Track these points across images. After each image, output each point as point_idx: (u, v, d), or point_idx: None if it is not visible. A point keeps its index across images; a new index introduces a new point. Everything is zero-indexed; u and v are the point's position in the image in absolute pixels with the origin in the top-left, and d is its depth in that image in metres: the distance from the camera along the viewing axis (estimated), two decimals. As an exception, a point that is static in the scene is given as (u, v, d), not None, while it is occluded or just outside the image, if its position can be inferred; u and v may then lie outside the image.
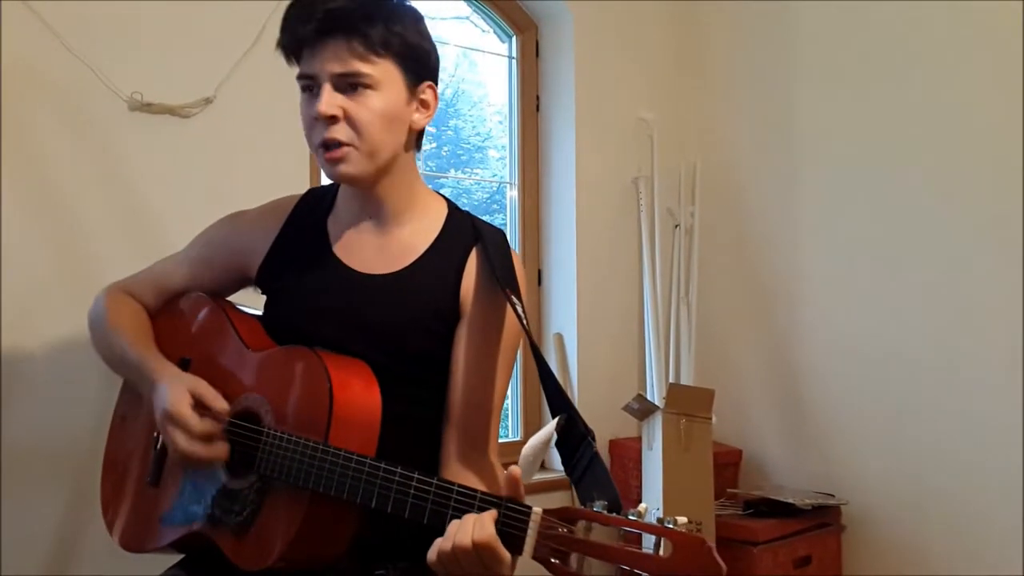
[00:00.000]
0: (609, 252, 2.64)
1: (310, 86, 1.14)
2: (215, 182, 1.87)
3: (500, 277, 1.16)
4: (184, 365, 1.24)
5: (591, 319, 2.58)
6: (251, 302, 1.33)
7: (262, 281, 1.28)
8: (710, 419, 2.33)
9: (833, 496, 2.41)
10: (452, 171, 2.72)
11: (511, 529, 0.92)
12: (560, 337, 2.59)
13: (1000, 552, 2.15)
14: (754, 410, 2.65)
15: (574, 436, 1.03)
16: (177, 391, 1.12)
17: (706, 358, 2.66)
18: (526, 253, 2.64)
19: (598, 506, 0.90)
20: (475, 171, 2.76)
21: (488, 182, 2.75)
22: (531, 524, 0.91)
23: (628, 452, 2.46)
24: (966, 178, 2.24)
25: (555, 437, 1.05)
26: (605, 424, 2.54)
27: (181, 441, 1.10)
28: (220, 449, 1.12)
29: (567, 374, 2.56)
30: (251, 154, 1.92)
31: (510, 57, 2.68)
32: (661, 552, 0.85)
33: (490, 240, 1.21)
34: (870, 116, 2.42)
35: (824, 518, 2.38)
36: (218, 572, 1.11)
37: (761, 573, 2.21)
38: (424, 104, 1.20)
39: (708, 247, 2.71)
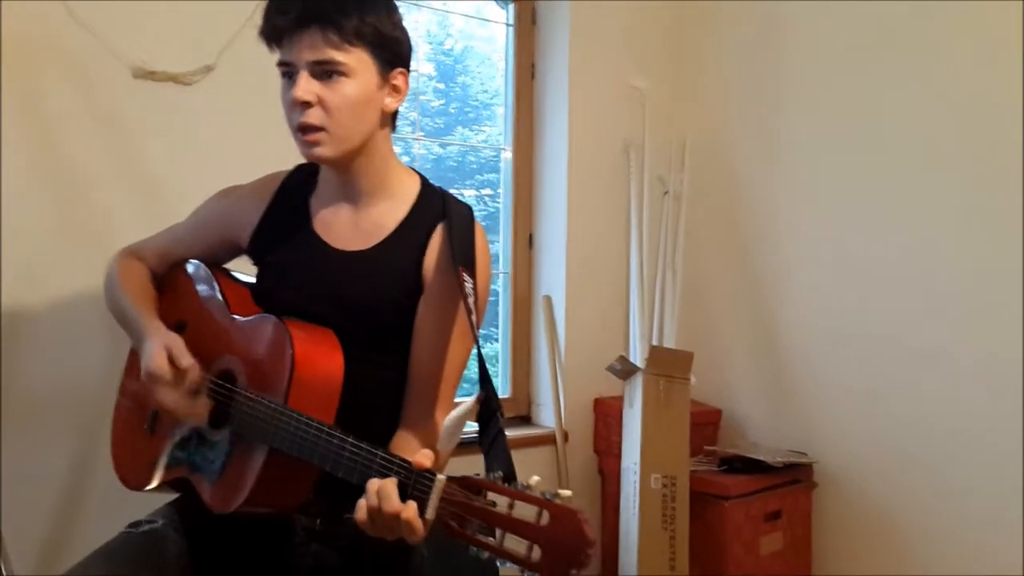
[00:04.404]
0: (599, 217, 2.71)
1: (289, 72, 1.22)
2: (215, 148, 1.94)
3: (456, 253, 1.23)
4: (181, 326, 1.35)
5: (580, 282, 2.66)
6: (249, 271, 1.43)
7: (252, 252, 1.38)
8: (688, 380, 2.42)
9: (805, 454, 2.51)
10: (459, 128, 2.77)
11: (417, 492, 1.02)
12: (549, 299, 2.67)
13: (960, 510, 2.25)
14: (735, 372, 2.74)
15: (487, 412, 1.11)
16: (156, 346, 1.22)
17: (690, 322, 2.74)
18: (518, 216, 2.72)
19: (495, 476, 0.99)
20: (483, 128, 2.81)
21: (480, 147, 2.81)
22: (434, 489, 1.00)
23: (611, 410, 2.56)
24: (952, 151, 2.28)
25: (477, 410, 1.14)
26: (591, 384, 2.64)
27: (163, 396, 1.21)
28: (200, 406, 1.22)
29: (555, 335, 2.65)
30: (250, 121, 1.97)
31: (508, 24, 2.73)
32: (541, 521, 0.93)
33: (456, 217, 1.29)
34: (857, 89, 2.46)
35: (796, 475, 2.48)
36: (202, 513, 1.22)
37: (732, 526, 2.32)
38: (396, 89, 1.27)
39: (696, 214, 2.78)
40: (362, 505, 1.04)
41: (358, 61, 1.21)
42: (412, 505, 1.02)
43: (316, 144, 1.22)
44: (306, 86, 1.19)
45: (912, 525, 2.35)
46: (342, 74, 1.20)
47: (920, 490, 2.34)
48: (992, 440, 2.20)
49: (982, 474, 2.22)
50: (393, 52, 1.25)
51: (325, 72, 1.20)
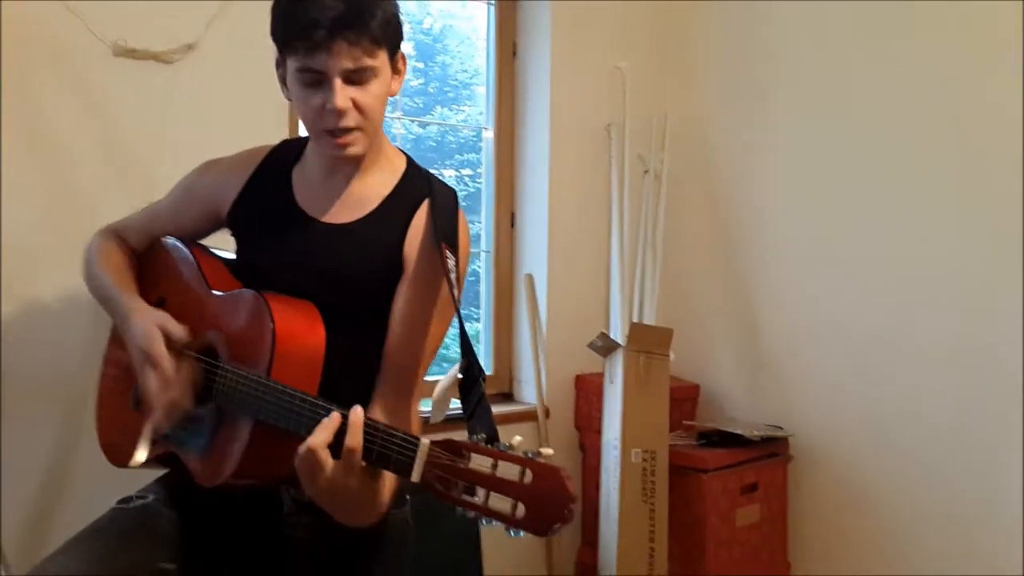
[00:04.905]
0: (580, 196, 2.73)
1: (315, 80, 1.21)
2: (197, 126, 1.94)
3: (439, 229, 1.25)
4: (161, 303, 1.35)
5: (561, 260, 2.68)
6: (227, 245, 1.44)
7: (232, 224, 1.38)
8: (668, 356, 2.47)
9: (781, 428, 2.56)
10: (438, 108, 2.78)
11: (403, 457, 1.04)
12: (530, 278, 2.70)
13: (929, 482, 2.32)
14: (713, 349, 2.79)
15: (470, 378, 1.14)
16: (149, 328, 1.23)
17: (670, 299, 2.77)
18: (500, 196, 2.73)
19: (478, 438, 1.01)
20: (463, 108, 2.82)
21: (460, 127, 2.82)
22: (419, 453, 1.03)
23: (592, 387, 2.60)
24: (933, 135, 2.31)
25: (460, 377, 1.16)
26: (572, 360, 2.67)
27: (153, 382, 1.21)
28: (185, 400, 1.22)
29: (537, 313, 2.68)
30: (232, 100, 1.98)
31: (489, 3, 2.73)
32: (525, 480, 0.97)
33: (439, 197, 1.30)
34: (840, 67, 2.49)
35: (773, 448, 2.53)
36: (191, 488, 1.24)
37: (710, 498, 2.37)
38: (398, 72, 1.29)
39: (676, 193, 2.80)
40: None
41: (381, 60, 1.23)
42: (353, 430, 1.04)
43: (351, 144, 1.24)
44: (344, 93, 1.20)
45: (884, 496, 2.41)
46: (373, 76, 1.22)
47: (891, 461, 2.39)
48: (958, 413, 2.26)
49: (949, 447, 2.28)
50: (398, 39, 1.27)
51: (358, 77, 1.21)
